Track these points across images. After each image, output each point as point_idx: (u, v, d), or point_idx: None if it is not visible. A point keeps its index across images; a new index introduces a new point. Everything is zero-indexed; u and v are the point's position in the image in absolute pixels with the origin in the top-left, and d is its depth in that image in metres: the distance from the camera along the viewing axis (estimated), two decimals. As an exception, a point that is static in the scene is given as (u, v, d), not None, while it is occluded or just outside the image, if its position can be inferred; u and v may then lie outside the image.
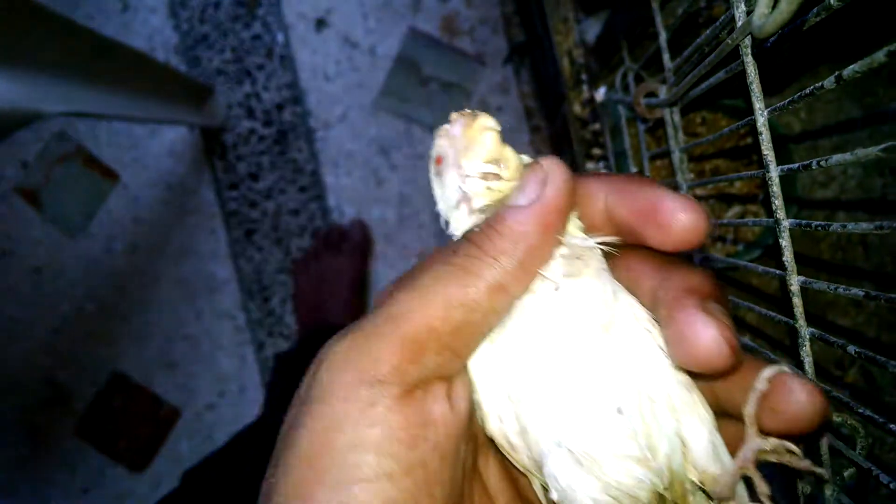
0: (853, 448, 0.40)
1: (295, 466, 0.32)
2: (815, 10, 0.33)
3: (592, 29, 0.93)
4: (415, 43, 1.72)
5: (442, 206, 0.41)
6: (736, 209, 0.89)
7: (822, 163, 0.36)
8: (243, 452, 1.25)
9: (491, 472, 0.41)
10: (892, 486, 0.35)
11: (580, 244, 0.37)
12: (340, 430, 0.31)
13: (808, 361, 0.42)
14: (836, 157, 0.35)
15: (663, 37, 0.63)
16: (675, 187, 0.65)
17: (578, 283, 0.36)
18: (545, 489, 0.37)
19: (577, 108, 0.94)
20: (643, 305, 0.37)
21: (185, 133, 1.79)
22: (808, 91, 0.36)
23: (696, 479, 0.36)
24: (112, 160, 1.80)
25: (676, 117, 0.64)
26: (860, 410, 0.38)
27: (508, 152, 0.39)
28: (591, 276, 0.36)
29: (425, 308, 0.33)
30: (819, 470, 0.34)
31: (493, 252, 0.34)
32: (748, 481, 0.35)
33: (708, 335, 0.31)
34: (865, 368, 0.83)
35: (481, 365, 0.37)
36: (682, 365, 0.34)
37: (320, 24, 1.74)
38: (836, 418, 0.40)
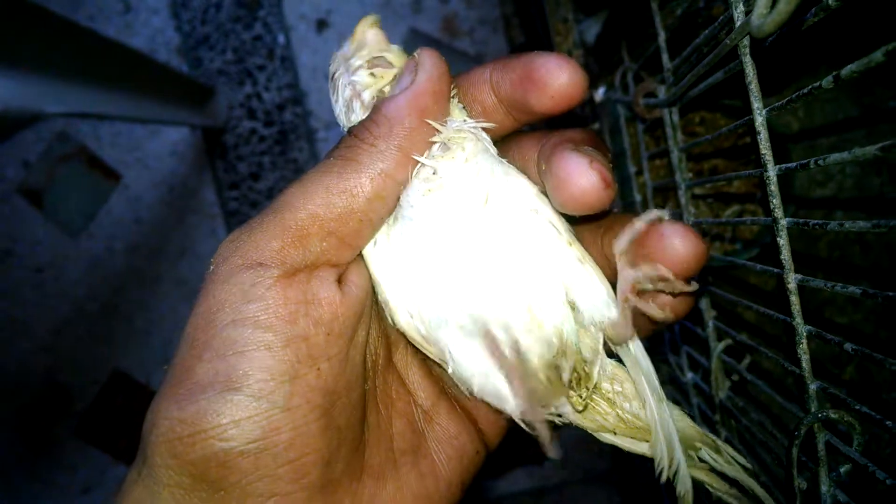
0: (850, 444, 0.40)
1: (181, 346, 0.33)
2: (813, 10, 0.33)
3: (592, 29, 0.93)
4: (415, 43, 1.72)
5: (339, 116, 0.42)
6: (734, 208, 0.90)
7: (820, 162, 0.36)
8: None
9: (411, 370, 0.42)
10: (888, 482, 0.35)
11: (458, 126, 0.38)
12: (222, 311, 0.33)
13: (805, 359, 0.42)
14: (834, 156, 0.35)
15: (662, 37, 0.63)
16: (673, 186, 0.65)
17: (455, 164, 0.37)
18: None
19: (576, 108, 0.94)
20: (533, 182, 0.38)
21: (186, 133, 1.79)
22: (806, 91, 0.36)
23: (593, 341, 0.37)
24: (114, 160, 1.80)
25: (675, 117, 0.64)
26: (857, 407, 0.38)
27: (394, 48, 0.41)
28: (469, 158, 0.37)
29: (307, 197, 0.35)
30: (686, 287, 0.34)
31: (371, 139, 0.36)
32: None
33: (580, 170, 0.32)
34: (863, 365, 0.83)
35: (382, 261, 0.38)
36: (562, 208, 0.35)
37: (321, 24, 1.75)
38: (833, 415, 0.40)
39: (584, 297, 0.37)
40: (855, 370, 0.83)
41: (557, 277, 0.36)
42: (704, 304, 0.64)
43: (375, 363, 0.40)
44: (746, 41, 0.40)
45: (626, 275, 0.35)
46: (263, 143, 1.76)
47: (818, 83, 0.35)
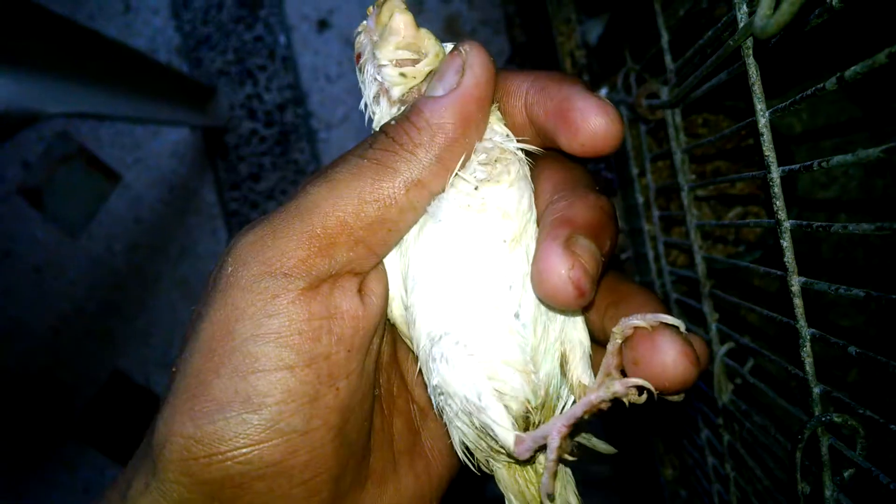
0: (853, 448, 0.40)
1: (195, 355, 0.32)
2: (816, 11, 0.33)
3: (594, 30, 0.93)
4: (416, 44, 1.72)
5: (366, 100, 0.40)
6: (737, 210, 0.89)
7: (824, 164, 0.36)
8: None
9: (411, 366, 0.41)
10: (892, 486, 0.35)
11: (501, 144, 0.36)
12: (241, 321, 0.31)
13: (808, 362, 0.42)
14: (838, 158, 0.35)
15: (665, 38, 0.63)
16: (676, 188, 0.65)
17: (501, 188, 0.35)
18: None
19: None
20: None
21: (186, 134, 1.79)
22: (809, 92, 0.36)
23: (569, 392, 0.36)
24: (114, 161, 1.80)
25: (678, 118, 0.64)
26: (861, 411, 0.38)
27: (425, 37, 0.38)
28: (513, 182, 0.36)
29: (337, 202, 0.32)
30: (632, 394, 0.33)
31: (410, 146, 0.33)
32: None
33: (556, 272, 0.30)
34: (866, 369, 0.83)
35: (393, 254, 0.37)
36: (537, 294, 0.33)
37: (322, 25, 1.75)
38: (837, 419, 0.40)
39: (575, 358, 0.36)
40: (858, 373, 0.83)
41: (560, 332, 0.36)
42: (707, 307, 0.63)
43: (380, 362, 0.39)
44: (750, 42, 0.40)
45: (609, 363, 0.34)
46: (264, 144, 1.76)
47: (822, 84, 0.34)
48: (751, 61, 0.40)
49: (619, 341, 0.33)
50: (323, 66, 1.74)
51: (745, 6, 0.40)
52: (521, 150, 0.37)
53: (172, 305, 1.80)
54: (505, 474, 0.37)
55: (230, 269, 0.32)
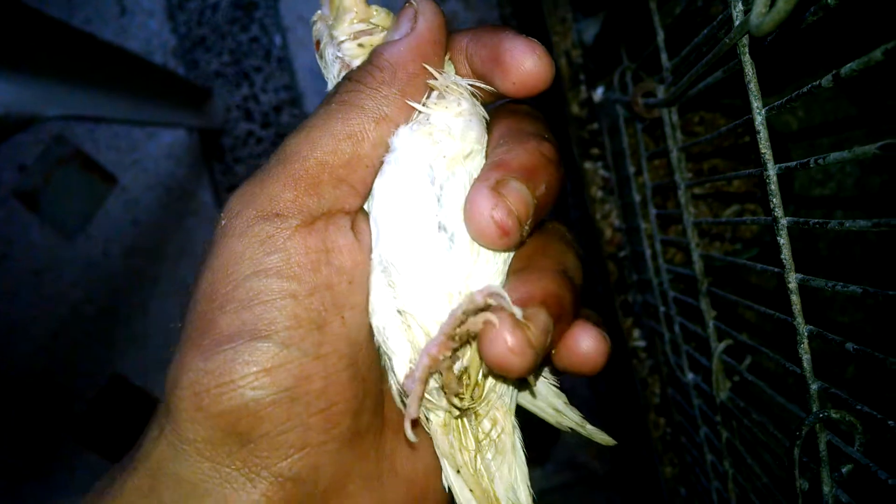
0: (851, 445, 0.40)
1: (199, 301, 0.32)
2: (812, 8, 0.33)
3: (590, 29, 0.93)
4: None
5: (330, 87, 0.41)
6: (734, 208, 0.90)
7: (820, 161, 0.36)
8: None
9: None
10: (890, 482, 0.35)
11: (456, 80, 0.38)
12: (239, 263, 0.32)
13: (806, 359, 0.42)
14: (834, 156, 0.35)
15: (661, 36, 0.63)
16: (673, 186, 0.65)
17: (449, 114, 0.36)
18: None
19: (574, 108, 0.94)
20: None
21: (183, 136, 1.79)
22: (805, 89, 0.36)
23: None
24: (110, 163, 1.80)
25: (674, 116, 0.64)
26: (859, 407, 0.38)
27: (376, 10, 0.40)
28: (463, 113, 0.37)
29: (314, 144, 0.34)
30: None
31: (374, 83, 0.35)
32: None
33: (482, 210, 0.32)
34: (864, 365, 0.83)
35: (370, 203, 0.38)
36: (469, 234, 0.34)
37: (318, 25, 1.74)
38: (835, 415, 0.40)
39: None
40: (856, 370, 0.83)
41: (504, 265, 0.36)
42: (704, 304, 0.63)
43: None
44: (745, 40, 0.40)
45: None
46: (260, 145, 1.76)
47: (818, 82, 0.35)
48: (746, 59, 0.41)
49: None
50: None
51: (740, 4, 0.41)
52: (476, 96, 0.38)
53: (170, 308, 1.80)
54: (440, 433, 0.36)
55: (224, 221, 0.34)
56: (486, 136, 0.38)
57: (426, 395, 0.35)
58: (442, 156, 0.36)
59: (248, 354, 0.30)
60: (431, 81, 0.37)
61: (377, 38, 0.39)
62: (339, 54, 0.40)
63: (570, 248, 0.38)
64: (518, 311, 0.31)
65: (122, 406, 1.81)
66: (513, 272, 0.36)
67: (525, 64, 0.34)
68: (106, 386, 1.81)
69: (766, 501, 0.59)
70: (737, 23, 0.40)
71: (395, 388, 0.36)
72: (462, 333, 0.33)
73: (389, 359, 0.36)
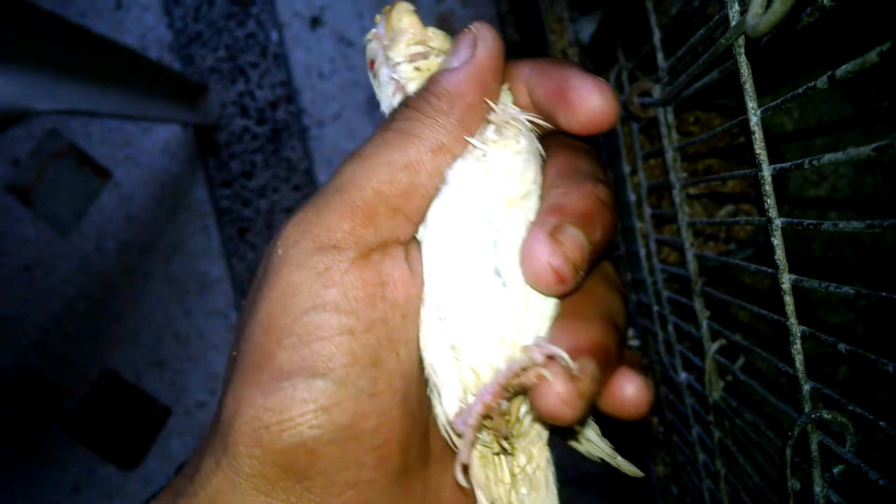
0: (843, 445, 0.40)
1: (256, 332, 0.32)
2: (808, 10, 0.33)
3: (587, 28, 0.93)
4: (409, 41, 1.72)
5: (384, 107, 0.41)
6: (728, 208, 0.90)
7: (815, 162, 0.36)
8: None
9: None
10: (881, 482, 0.35)
11: (513, 114, 0.37)
12: (297, 295, 0.32)
13: (798, 359, 0.42)
14: (828, 157, 0.35)
15: (657, 36, 0.63)
16: (668, 186, 0.65)
17: (507, 153, 0.36)
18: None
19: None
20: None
21: (178, 131, 1.78)
22: (800, 91, 0.36)
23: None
24: (104, 158, 1.79)
25: (670, 116, 0.64)
26: (850, 408, 0.38)
27: (433, 32, 0.40)
28: (522, 152, 0.36)
29: (371, 173, 0.34)
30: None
31: (432, 112, 0.35)
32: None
33: (539, 257, 0.32)
34: (856, 366, 0.83)
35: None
36: (524, 279, 0.34)
37: (315, 22, 1.74)
38: (827, 415, 0.40)
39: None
40: (848, 370, 0.83)
41: (553, 309, 0.36)
42: (698, 304, 0.64)
43: None
44: (741, 41, 0.40)
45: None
46: (256, 141, 1.75)
47: (813, 83, 0.35)
48: (742, 60, 0.41)
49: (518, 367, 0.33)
50: (315, 63, 1.74)
51: (736, 5, 0.41)
52: (533, 130, 0.38)
53: (163, 304, 1.79)
54: (477, 464, 0.37)
55: (280, 251, 0.33)
56: (542, 174, 0.37)
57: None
58: (500, 197, 0.36)
59: (306, 392, 0.30)
60: (491, 116, 0.36)
61: (434, 63, 0.39)
62: (395, 76, 0.39)
63: (617, 291, 0.38)
64: (573, 366, 0.31)
65: (113, 402, 1.80)
66: (560, 316, 0.36)
67: (593, 103, 0.34)
68: (97, 381, 1.81)
69: (758, 501, 0.59)
70: (733, 23, 0.40)
71: (442, 420, 0.36)
72: (516, 385, 0.33)
73: (438, 393, 0.36)
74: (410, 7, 0.40)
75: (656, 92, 0.64)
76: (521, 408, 0.36)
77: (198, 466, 0.33)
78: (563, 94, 0.35)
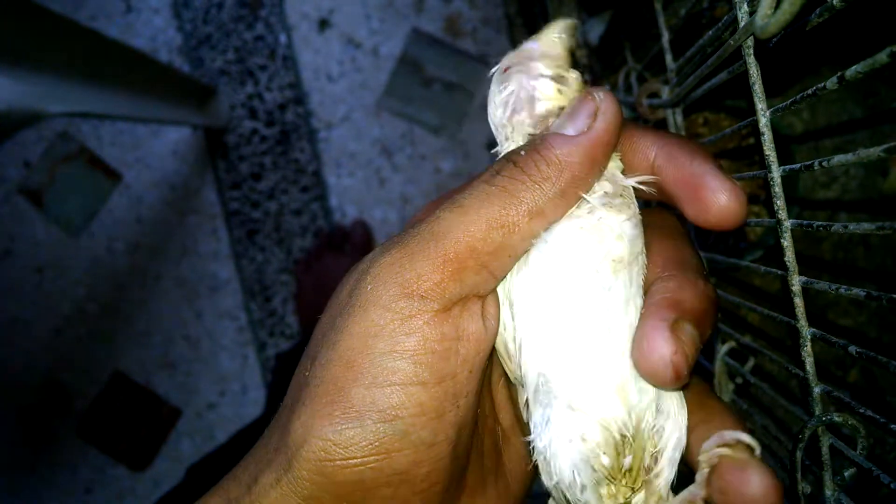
0: (854, 448, 0.40)
1: (334, 363, 0.34)
2: (817, 10, 0.33)
3: (595, 29, 0.93)
4: (418, 43, 1.72)
5: (497, 115, 0.40)
6: (738, 210, 0.89)
7: (825, 163, 0.36)
8: (248, 447, 1.25)
9: (499, 388, 0.43)
10: (892, 486, 0.35)
11: (621, 182, 0.37)
12: (379, 337, 0.33)
13: (808, 362, 0.42)
14: (838, 158, 0.35)
15: (666, 37, 0.63)
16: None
17: (614, 216, 0.36)
18: (526, 405, 0.38)
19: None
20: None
21: (187, 133, 1.79)
22: (810, 91, 0.36)
23: (656, 450, 0.36)
24: (115, 160, 1.80)
25: (679, 118, 0.64)
26: (861, 410, 0.38)
27: (573, 72, 0.39)
28: (628, 216, 0.36)
29: (467, 227, 0.34)
30: None
31: (537, 178, 0.35)
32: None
33: (659, 353, 0.32)
34: (867, 368, 0.83)
35: (512, 281, 0.38)
36: (635, 367, 0.34)
37: (323, 24, 1.75)
38: (837, 418, 0.40)
39: (669, 444, 0.36)
40: (859, 373, 0.83)
41: (664, 401, 0.36)
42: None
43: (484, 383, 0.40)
44: (750, 42, 0.40)
45: (694, 493, 0.35)
46: (265, 144, 1.76)
47: (823, 84, 0.34)
48: (751, 61, 0.40)
49: (707, 470, 0.34)
50: (324, 65, 1.74)
51: (745, 6, 0.40)
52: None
53: (173, 305, 1.80)
54: None
55: (370, 286, 0.34)
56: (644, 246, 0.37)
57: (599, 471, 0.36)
58: (611, 259, 0.36)
59: (373, 436, 0.32)
60: (603, 183, 0.36)
61: (566, 98, 0.38)
62: (529, 87, 0.39)
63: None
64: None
65: (123, 403, 1.81)
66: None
67: (726, 207, 0.34)
68: (108, 383, 1.81)
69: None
70: (741, 24, 0.40)
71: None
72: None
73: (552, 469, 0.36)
74: (573, 25, 0.39)
75: (665, 93, 0.64)
76: (643, 460, 0.36)
77: (256, 477, 0.35)
78: (697, 191, 0.35)
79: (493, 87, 0.41)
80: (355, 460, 0.32)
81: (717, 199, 0.34)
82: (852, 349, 0.37)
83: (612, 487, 0.35)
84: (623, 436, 0.35)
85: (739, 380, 0.61)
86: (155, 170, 1.80)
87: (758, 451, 0.34)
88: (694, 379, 0.38)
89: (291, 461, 0.33)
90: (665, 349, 0.32)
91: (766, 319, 0.47)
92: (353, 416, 0.32)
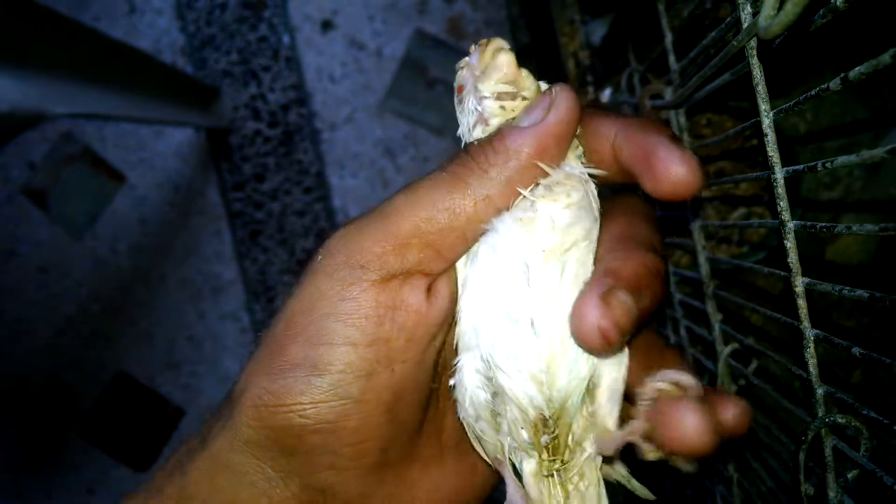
0: (857, 450, 0.40)
1: (279, 324, 0.37)
2: (821, 11, 0.33)
3: (598, 31, 0.93)
4: (421, 45, 1.72)
5: (461, 131, 0.42)
6: (741, 211, 0.89)
7: (828, 164, 0.36)
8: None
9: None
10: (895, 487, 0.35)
11: (569, 172, 0.38)
12: (320, 300, 0.36)
13: (812, 363, 0.42)
14: (842, 159, 0.35)
15: (669, 38, 0.63)
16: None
17: (556, 207, 0.37)
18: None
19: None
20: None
21: (191, 134, 1.79)
22: (813, 92, 0.36)
23: (584, 425, 0.39)
24: (119, 161, 1.81)
25: (682, 119, 0.64)
26: (864, 412, 0.38)
27: (525, 76, 0.41)
28: (571, 205, 0.38)
29: (413, 208, 0.37)
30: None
31: (485, 165, 0.37)
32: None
33: (588, 319, 0.34)
34: (870, 370, 0.82)
35: (463, 273, 0.40)
36: (572, 335, 0.36)
37: (326, 25, 1.75)
38: (841, 420, 0.40)
39: (604, 391, 0.38)
40: (862, 374, 0.82)
41: (590, 359, 0.38)
42: (711, 307, 0.63)
43: (443, 359, 0.42)
44: (753, 43, 0.40)
45: (637, 427, 0.36)
46: (268, 145, 1.76)
47: (826, 85, 0.34)
48: (755, 62, 0.40)
49: (647, 402, 0.36)
50: (327, 66, 1.75)
51: (748, 7, 0.40)
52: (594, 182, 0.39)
53: (177, 306, 1.80)
54: (532, 481, 0.39)
55: (321, 258, 0.38)
56: (597, 227, 0.39)
57: (520, 443, 0.39)
58: (540, 248, 0.37)
59: (303, 386, 0.35)
60: (549, 175, 0.38)
61: (519, 106, 0.40)
62: (479, 108, 0.40)
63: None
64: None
65: (126, 404, 1.81)
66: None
67: (678, 175, 0.35)
68: (111, 383, 1.82)
69: (771, 506, 0.58)
70: (745, 25, 0.40)
71: (503, 446, 0.40)
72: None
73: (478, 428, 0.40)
74: (507, 46, 0.41)
75: (668, 94, 0.64)
76: (570, 435, 0.38)
77: (210, 428, 0.38)
78: (650, 162, 0.36)
79: (455, 105, 0.43)
80: (284, 407, 0.35)
81: (668, 168, 0.36)
82: (856, 350, 0.37)
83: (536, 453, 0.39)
84: (542, 415, 0.38)
85: (742, 381, 0.61)
86: (158, 171, 1.80)
87: (697, 392, 0.35)
88: (650, 340, 0.41)
89: (233, 409, 0.37)
90: (593, 314, 0.34)
91: (770, 321, 0.47)
92: (287, 369, 0.36)
